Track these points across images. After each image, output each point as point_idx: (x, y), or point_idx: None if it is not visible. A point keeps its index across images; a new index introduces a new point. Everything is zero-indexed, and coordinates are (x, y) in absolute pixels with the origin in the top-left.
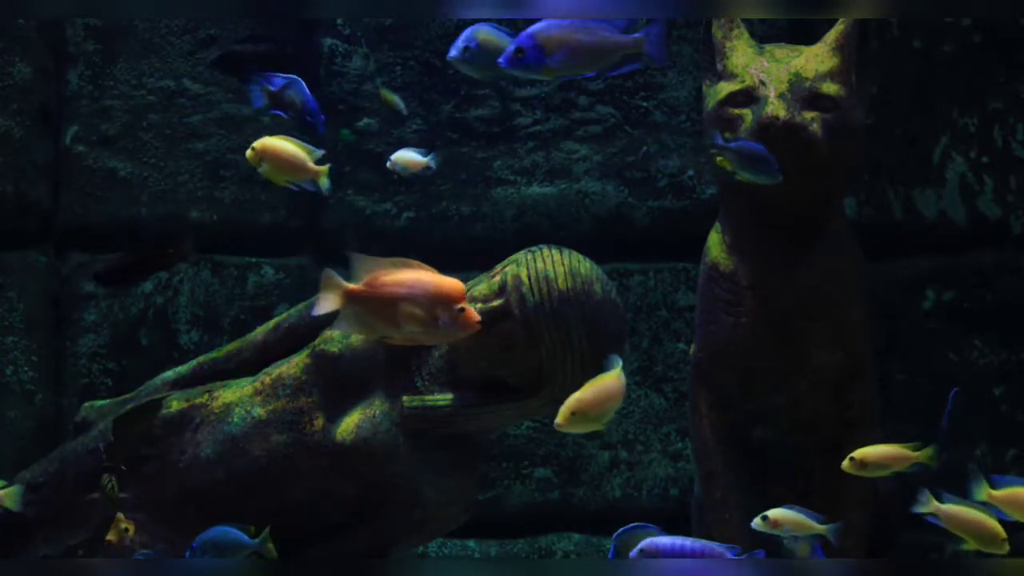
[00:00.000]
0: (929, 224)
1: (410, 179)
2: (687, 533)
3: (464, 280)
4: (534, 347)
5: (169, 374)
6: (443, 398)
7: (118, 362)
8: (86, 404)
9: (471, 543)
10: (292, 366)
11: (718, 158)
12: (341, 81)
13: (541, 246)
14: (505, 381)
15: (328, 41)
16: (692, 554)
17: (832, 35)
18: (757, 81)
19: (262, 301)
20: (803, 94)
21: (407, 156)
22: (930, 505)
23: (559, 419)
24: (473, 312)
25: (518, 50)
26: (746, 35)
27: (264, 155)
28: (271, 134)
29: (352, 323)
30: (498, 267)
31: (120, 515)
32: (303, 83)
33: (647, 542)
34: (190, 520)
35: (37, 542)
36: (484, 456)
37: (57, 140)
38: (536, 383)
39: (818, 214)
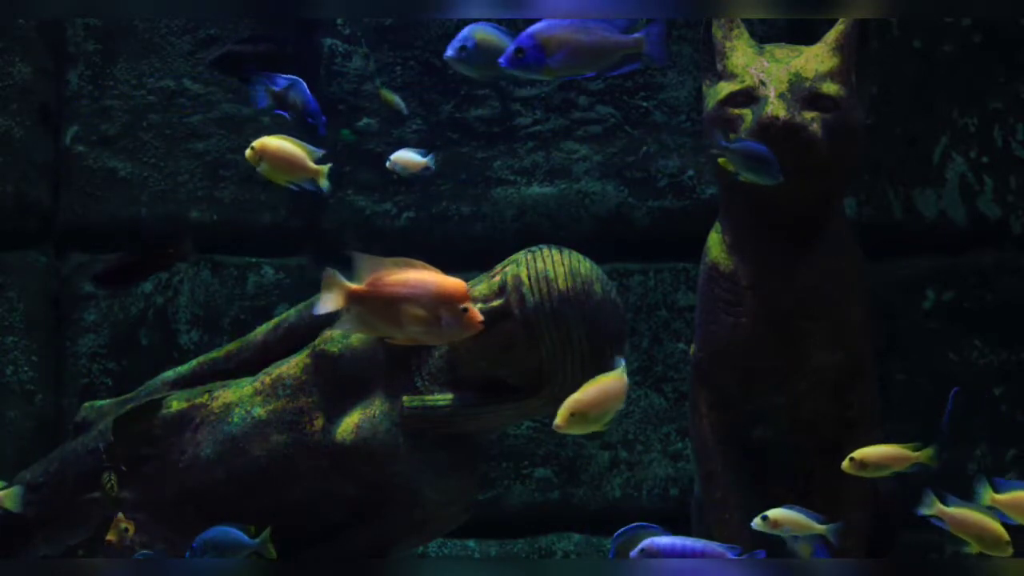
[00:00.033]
0: (929, 224)
1: (410, 179)
2: (687, 533)
3: (464, 280)
4: (534, 347)
5: (169, 374)
6: (443, 398)
7: (118, 362)
8: (86, 404)
9: (471, 543)
10: (292, 366)
11: (720, 159)
12: (341, 81)
13: (541, 246)
14: (505, 381)
15: (328, 41)
16: (692, 554)
17: (832, 35)
18: (757, 81)
19: (262, 301)
20: (803, 94)
21: (407, 156)
22: (934, 507)
23: (558, 420)
24: (476, 312)
25: (518, 50)
26: (746, 35)
27: (263, 155)
28: (271, 134)
29: (354, 323)
30: (498, 267)
31: (120, 515)
32: (304, 84)
33: (647, 542)
34: (190, 520)
35: (37, 542)
36: (484, 456)
37: (57, 140)
38: (536, 383)
39: (818, 214)
